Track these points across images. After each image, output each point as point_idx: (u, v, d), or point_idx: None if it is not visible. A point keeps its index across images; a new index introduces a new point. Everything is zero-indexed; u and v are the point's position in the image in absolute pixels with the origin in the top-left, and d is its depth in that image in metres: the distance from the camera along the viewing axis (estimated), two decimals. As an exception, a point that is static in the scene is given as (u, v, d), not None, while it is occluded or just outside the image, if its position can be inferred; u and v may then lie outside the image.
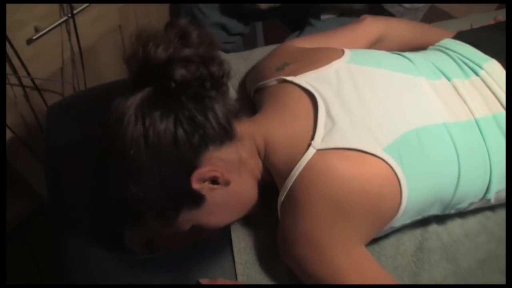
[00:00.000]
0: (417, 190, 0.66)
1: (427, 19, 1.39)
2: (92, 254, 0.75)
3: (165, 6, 1.45)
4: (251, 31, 1.54)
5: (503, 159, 0.72)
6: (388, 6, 1.16)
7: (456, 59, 0.81)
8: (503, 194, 0.75)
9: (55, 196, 0.83)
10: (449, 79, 0.77)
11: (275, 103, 0.74)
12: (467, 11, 2.10)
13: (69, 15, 1.11)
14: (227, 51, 1.43)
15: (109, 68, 1.36)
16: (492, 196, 0.74)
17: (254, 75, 0.88)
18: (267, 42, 1.72)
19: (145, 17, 1.37)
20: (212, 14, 1.33)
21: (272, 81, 0.78)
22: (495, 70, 0.77)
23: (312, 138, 0.66)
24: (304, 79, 0.73)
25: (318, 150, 0.65)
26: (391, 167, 0.64)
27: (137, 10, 1.32)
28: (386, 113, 0.69)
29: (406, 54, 0.82)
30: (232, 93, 0.93)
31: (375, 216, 0.66)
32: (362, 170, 0.63)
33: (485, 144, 0.71)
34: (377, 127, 0.66)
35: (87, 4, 1.14)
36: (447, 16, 2.01)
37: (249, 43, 1.67)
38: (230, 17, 1.34)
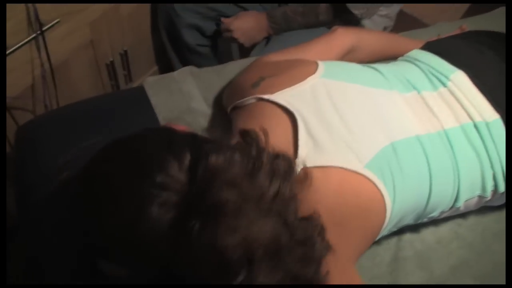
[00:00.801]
0: (398, 203, 0.68)
1: (396, 26, 1.42)
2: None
3: (138, 20, 1.44)
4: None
5: (470, 169, 0.74)
6: (352, 7, 1.19)
7: (425, 70, 0.83)
8: (471, 202, 0.78)
9: (24, 224, 0.81)
10: (418, 91, 0.79)
11: (253, 123, 0.71)
12: (435, 16, 2.15)
13: (38, 32, 1.09)
14: (201, 54, 1.44)
15: (82, 84, 1.35)
16: (461, 205, 0.76)
17: (230, 91, 0.88)
18: (241, 49, 1.72)
19: (118, 31, 1.36)
20: (186, 15, 1.34)
21: (249, 100, 0.76)
22: (461, 81, 0.79)
23: (295, 157, 0.66)
24: (282, 97, 0.72)
25: (301, 169, 0.64)
26: (373, 183, 0.65)
27: (110, 24, 1.31)
28: (363, 128, 0.70)
29: (378, 67, 0.83)
30: (206, 108, 0.93)
31: (366, 230, 0.67)
32: (348, 186, 0.64)
33: (454, 155, 0.73)
34: (356, 143, 0.67)
35: (57, 20, 1.12)
36: (416, 22, 2.05)
37: (224, 48, 1.68)
38: (203, 18, 1.35)
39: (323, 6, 1.22)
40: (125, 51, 1.42)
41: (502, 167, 0.74)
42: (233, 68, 0.99)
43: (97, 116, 0.89)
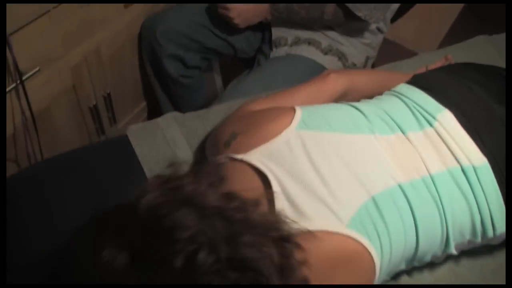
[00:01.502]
0: (386, 255, 0.66)
1: (378, 53, 1.42)
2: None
3: (121, 59, 1.43)
4: (208, 67, 1.55)
5: (458, 215, 0.72)
6: (354, 8, 1.17)
7: (411, 107, 0.81)
8: (462, 246, 0.76)
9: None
10: (404, 132, 0.77)
11: (227, 185, 0.68)
12: (415, 41, 2.17)
13: (18, 81, 1.07)
14: (184, 85, 1.43)
15: (66, 129, 1.32)
16: (452, 250, 0.74)
17: (209, 146, 0.86)
18: (224, 77, 1.72)
19: (100, 74, 1.34)
20: (168, 45, 1.33)
21: (222, 159, 0.73)
22: (448, 121, 0.77)
23: None
24: (255, 157, 0.69)
25: None
26: (358, 241, 0.63)
27: (91, 67, 1.29)
28: (342, 185, 0.68)
29: (361, 106, 0.81)
30: (191, 156, 0.91)
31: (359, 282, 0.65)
32: (332, 248, 0.62)
33: (440, 201, 0.71)
34: (336, 202, 0.65)
35: (36, 69, 1.10)
36: (397, 47, 2.06)
37: (207, 78, 1.67)
38: (186, 49, 1.34)
39: (330, 7, 1.20)
40: (108, 93, 1.40)
41: (490, 213, 0.72)
42: (216, 112, 0.98)
43: (81, 172, 0.86)
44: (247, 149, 0.71)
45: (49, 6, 1.07)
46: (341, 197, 0.66)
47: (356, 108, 0.81)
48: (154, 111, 1.64)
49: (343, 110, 0.80)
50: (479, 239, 0.74)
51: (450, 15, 2.14)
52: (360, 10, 1.17)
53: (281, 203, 0.64)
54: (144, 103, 1.65)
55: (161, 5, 1.44)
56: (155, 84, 1.48)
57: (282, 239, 0.55)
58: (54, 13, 1.09)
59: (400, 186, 0.70)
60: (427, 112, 0.79)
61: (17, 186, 0.83)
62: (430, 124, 0.78)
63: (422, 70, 1.05)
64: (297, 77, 1.19)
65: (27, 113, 1.15)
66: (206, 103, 1.57)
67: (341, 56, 1.29)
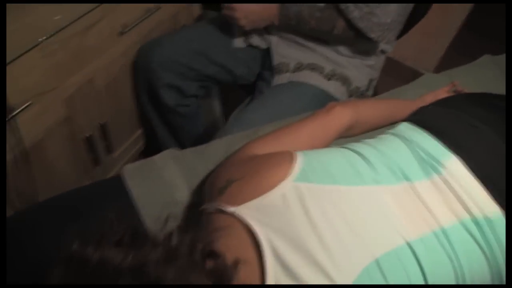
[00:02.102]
0: None
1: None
2: None
3: (116, 89, 1.39)
4: (206, 93, 1.51)
5: (477, 268, 0.67)
6: (367, 30, 1.13)
7: (416, 152, 0.76)
8: None
9: None
10: (410, 181, 0.72)
11: (216, 239, 0.62)
12: (415, 57, 2.15)
13: (9, 117, 1.03)
14: (182, 114, 1.39)
15: (60, 162, 1.28)
16: None
17: (207, 188, 0.80)
18: (224, 105, 1.69)
19: (94, 104, 1.30)
20: (164, 75, 1.29)
21: (212, 208, 0.67)
22: (457, 169, 0.72)
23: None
24: (247, 211, 0.63)
25: None
26: None
27: (85, 98, 1.25)
28: (342, 247, 0.62)
29: (362, 150, 0.76)
30: (190, 198, 0.86)
31: None
32: None
33: (456, 255, 0.66)
34: (335, 269, 0.59)
35: (28, 103, 1.06)
36: (398, 65, 2.04)
37: (205, 106, 1.64)
38: (183, 78, 1.30)
39: (341, 22, 1.15)
40: (104, 123, 1.36)
41: (503, 267, 0.67)
42: (217, 148, 0.93)
43: (74, 217, 0.82)
44: (240, 200, 0.65)
45: (40, 37, 1.03)
46: (341, 262, 0.60)
47: (358, 154, 0.76)
48: (151, 138, 1.59)
49: (345, 157, 0.75)
50: None
51: (449, 32, 2.12)
52: (372, 31, 1.13)
53: (272, 268, 0.59)
54: (140, 130, 1.61)
55: (157, 31, 1.40)
56: (152, 114, 1.44)
57: None
58: (45, 45, 1.05)
59: (408, 244, 0.64)
60: (433, 158, 0.74)
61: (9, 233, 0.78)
62: (437, 172, 0.72)
63: (429, 98, 1.01)
64: (302, 105, 1.15)
65: (20, 148, 1.11)
66: (206, 130, 1.53)
67: (345, 81, 1.25)
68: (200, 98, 1.45)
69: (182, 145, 1.51)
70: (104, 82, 1.30)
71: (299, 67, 1.24)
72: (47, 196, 1.25)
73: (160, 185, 0.87)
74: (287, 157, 0.71)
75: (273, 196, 0.65)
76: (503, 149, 0.74)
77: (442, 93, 1.04)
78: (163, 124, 1.46)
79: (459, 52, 1.92)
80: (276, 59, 1.27)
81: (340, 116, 0.85)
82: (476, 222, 0.67)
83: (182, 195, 0.86)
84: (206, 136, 1.61)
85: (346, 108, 0.87)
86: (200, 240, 0.55)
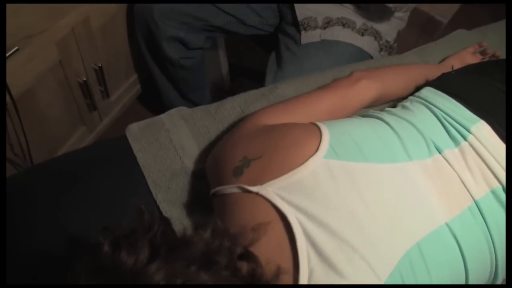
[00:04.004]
0: None
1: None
2: None
3: (112, 30, 1.25)
4: (212, 44, 1.38)
5: (503, 236, 0.63)
6: None
7: (443, 120, 0.70)
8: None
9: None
10: (440, 151, 0.66)
11: (237, 222, 0.57)
12: (450, 10, 1.99)
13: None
14: (186, 67, 1.27)
15: (52, 110, 1.18)
16: (499, 281, 0.66)
17: (211, 167, 0.70)
18: (230, 57, 1.57)
19: (90, 46, 1.18)
20: (168, 26, 1.15)
21: (231, 188, 0.60)
22: (484, 134, 0.67)
23: (296, 274, 0.52)
24: (274, 189, 0.57)
25: None
26: None
27: (80, 40, 1.13)
28: (381, 230, 0.56)
29: (390, 121, 0.69)
30: (201, 164, 0.78)
31: None
32: None
33: (488, 229, 0.62)
34: (373, 255, 0.54)
35: (15, 49, 0.94)
36: (428, 18, 1.88)
37: (211, 58, 1.52)
38: (188, 30, 1.17)
39: None
40: (100, 66, 1.24)
41: None
42: (231, 108, 0.83)
43: (77, 186, 0.74)
44: (263, 179, 0.58)
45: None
46: (380, 247, 0.55)
47: (387, 124, 0.68)
48: (148, 83, 1.48)
49: (373, 130, 0.67)
50: None
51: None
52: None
53: (305, 253, 0.53)
54: (137, 74, 1.49)
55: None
56: (151, 64, 1.30)
57: None
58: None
59: (447, 225, 0.60)
60: (460, 124, 0.68)
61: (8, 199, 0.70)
62: (464, 138, 0.67)
63: (455, 62, 0.93)
64: (340, 66, 1.03)
65: (8, 97, 1.00)
66: (210, 83, 1.41)
67: (376, 35, 1.12)
68: (206, 50, 1.32)
69: (184, 97, 1.39)
70: (99, 23, 1.17)
71: (328, 22, 1.09)
72: (39, 147, 1.17)
73: (168, 149, 0.78)
74: (312, 130, 0.64)
75: (301, 174, 0.58)
76: None
77: (467, 55, 0.97)
78: (164, 75, 1.34)
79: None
80: (300, 14, 1.12)
81: (365, 91, 0.76)
82: (505, 189, 0.63)
83: (191, 162, 0.78)
84: (211, 89, 1.50)
85: (372, 80, 0.78)
86: (236, 241, 0.49)
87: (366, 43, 1.10)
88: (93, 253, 0.44)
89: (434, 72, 0.85)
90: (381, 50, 1.13)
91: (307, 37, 1.09)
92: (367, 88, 0.76)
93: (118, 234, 0.45)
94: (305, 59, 1.06)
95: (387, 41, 1.14)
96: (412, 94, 0.81)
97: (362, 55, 1.09)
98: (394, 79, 0.82)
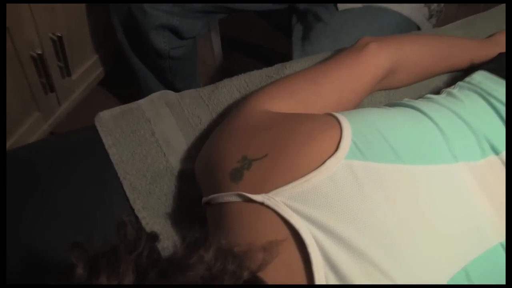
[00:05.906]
0: None
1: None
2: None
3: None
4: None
5: None
6: None
7: (502, 112, 0.59)
8: None
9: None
10: (497, 152, 0.56)
11: (241, 240, 0.48)
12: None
13: None
14: (175, 57, 1.10)
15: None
16: None
17: (202, 168, 0.59)
18: (224, 42, 1.42)
19: (46, 12, 1.00)
20: (157, 14, 0.97)
21: (229, 196, 0.51)
22: None
23: None
24: (283, 200, 0.48)
25: None
26: None
27: (32, 5, 0.95)
28: (417, 252, 0.48)
29: (429, 111, 0.58)
30: (190, 163, 0.63)
31: None
32: None
33: None
34: (407, 282, 0.46)
35: None
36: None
37: (202, 44, 1.35)
38: (183, 15, 0.99)
39: None
40: (59, 36, 1.06)
41: None
42: (224, 94, 0.68)
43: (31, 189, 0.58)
44: (268, 185, 0.49)
45: None
46: (416, 273, 0.47)
47: (433, 123, 0.57)
48: (119, 57, 1.28)
49: (407, 122, 0.57)
50: None
51: None
52: None
53: (322, 276, 0.45)
54: (100, 55, 1.31)
55: None
56: (131, 54, 1.12)
57: None
58: None
59: (501, 245, 0.51)
60: None
61: None
62: None
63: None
64: None
65: None
66: (201, 71, 1.24)
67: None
68: (198, 38, 1.15)
69: (169, 85, 1.20)
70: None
71: None
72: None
73: (150, 144, 0.63)
74: (329, 122, 0.54)
75: (317, 180, 0.49)
76: None
77: None
78: (145, 64, 1.15)
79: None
80: None
81: (375, 59, 0.64)
82: None
83: (177, 160, 0.64)
84: (200, 71, 1.31)
85: (383, 45, 0.66)
86: (243, 264, 0.42)
87: (416, 11, 0.96)
88: (63, 277, 0.37)
89: (478, 48, 0.73)
90: (430, 17, 0.99)
91: (345, 4, 0.93)
92: (376, 53, 0.64)
93: (94, 252, 0.38)
94: (341, 28, 0.91)
95: (438, 6, 0.99)
96: (459, 74, 0.69)
97: (409, 26, 0.95)
98: (413, 46, 0.70)
